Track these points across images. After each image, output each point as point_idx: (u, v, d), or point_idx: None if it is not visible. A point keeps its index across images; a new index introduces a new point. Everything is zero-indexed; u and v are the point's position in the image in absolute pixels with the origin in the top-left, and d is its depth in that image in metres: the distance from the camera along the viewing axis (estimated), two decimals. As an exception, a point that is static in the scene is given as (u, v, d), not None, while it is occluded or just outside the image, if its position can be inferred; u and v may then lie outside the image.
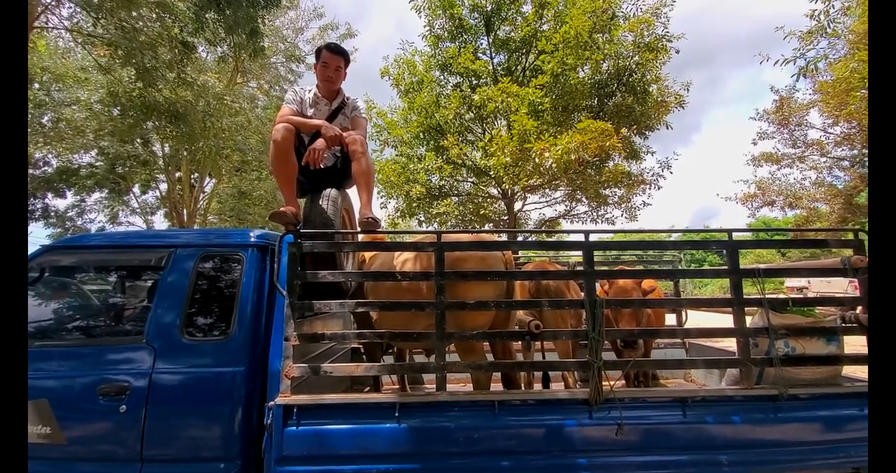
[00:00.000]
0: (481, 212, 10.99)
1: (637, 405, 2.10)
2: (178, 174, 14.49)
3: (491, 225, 11.15)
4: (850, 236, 2.45)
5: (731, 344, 3.68)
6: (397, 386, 3.64)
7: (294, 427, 1.98)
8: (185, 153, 11.65)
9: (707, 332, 2.29)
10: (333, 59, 2.63)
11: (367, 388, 3.40)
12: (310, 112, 2.66)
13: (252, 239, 2.38)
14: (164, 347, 2.16)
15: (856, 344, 2.49)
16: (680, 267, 4.46)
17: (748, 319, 2.32)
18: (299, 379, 2.24)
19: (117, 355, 2.17)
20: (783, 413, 2.16)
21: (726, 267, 2.28)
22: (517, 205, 11.29)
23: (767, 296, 2.22)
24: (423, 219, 10.67)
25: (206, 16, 7.61)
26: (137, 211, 16.99)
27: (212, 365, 2.14)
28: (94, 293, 2.42)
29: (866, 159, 15.79)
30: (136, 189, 16.37)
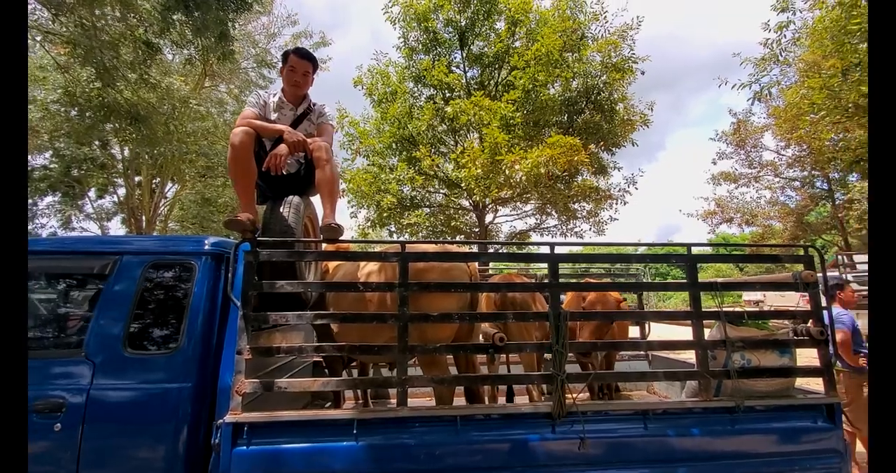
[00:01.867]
0: (452, 224, 11.01)
1: (600, 418, 2.09)
2: (137, 178, 13.87)
3: (462, 236, 11.17)
4: (801, 252, 2.56)
5: (692, 356, 3.77)
6: (361, 401, 3.52)
7: (244, 447, 1.86)
8: (146, 157, 11.19)
9: (667, 345, 2.32)
10: (301, 63, 2.57)
11: (329, 404, 3.28)
12: (274, 116, 2.59)
13: (206, 247, 2.26)
14: (104, 361, 2.02)
15: (808, 356, 2.58)
16: (644, 281, 4.56)
17: (707, 332, 2.37)
18: (252, 396, 2.12)
19: (53, 369, 2.01)
20: (740, 425, 2.19)
21: (686, 281, 2.33)
22: (488, 217, 11.38)
23: (724, 309, 2.27)
24: (393, 229, 10.59)
25: (174, 17, 7.37)
26: (92, 216, 16.12)
27: (156, 380, 2.01)
28: (32, 302, 2.23)
29: (815, 180, 16.87)
30: (92, 193, 15.56)
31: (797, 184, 17.27)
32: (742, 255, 3.67)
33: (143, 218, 13.33)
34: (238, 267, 2.09)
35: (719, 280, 2.53)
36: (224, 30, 7.42)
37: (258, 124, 2.38)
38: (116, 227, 16.34)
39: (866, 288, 9.72)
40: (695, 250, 2.41)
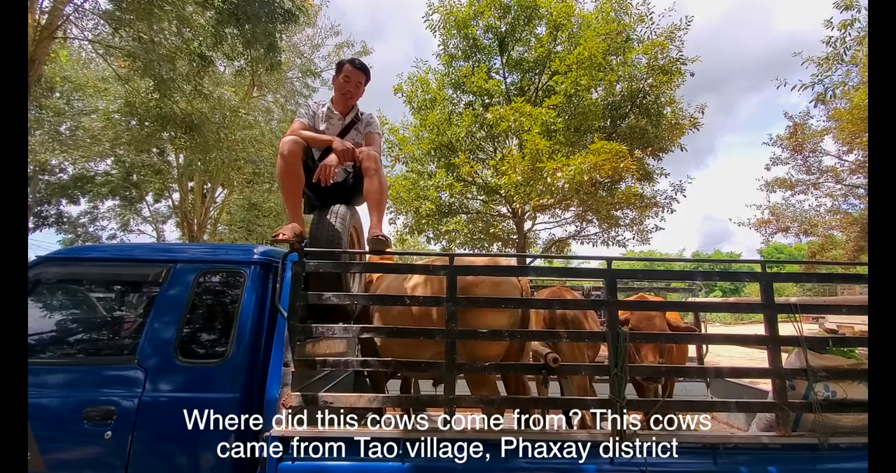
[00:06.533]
0: (491, 231, 10.85)
1: (663, 449, 1.92)
2: (190, 184, 14.61)
3: (500, 243, 11.00)
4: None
5: (757, 380, 3.47)
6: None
7: (290, 463, 1.83)
8: (198, 163, 11.73)
9: (741, 372, 2.11)
10: (356, 74, 2.59)
11: (372, 415, 3.22)
12: (322, 126, 2.59)
13: (255, 256, 2.27)
14: (156, 368, 2.04)
15: None
16: (701, 296, 4.28)
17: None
18: (298, 408, 2.10)
19: (105, 376, 2.04)
20: (822, 464, 1.97)
21: (759, 301, 2.12)
22: (527, 225, 11.16)
23: (806, 335, 2.05)
24: (431, 235, 10.56)
25: (225, 30, 7.71)
26: (149, 219, 17.13)
27: (206, 389, 2.01)
28: (87, 308, 2.30)
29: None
30: (150, 197, 16.55)
31: (861, 191, 15.94)
32: (827, 274, 3.23)
33: (196, 221, 13.99)
34: (286, 277, 2.08)
35: (793, 299, 2.29)
36: (272, 41, 7.68)
37: (307, 134, 2.38)
38: (171, 230, 17.28)
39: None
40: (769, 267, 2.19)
